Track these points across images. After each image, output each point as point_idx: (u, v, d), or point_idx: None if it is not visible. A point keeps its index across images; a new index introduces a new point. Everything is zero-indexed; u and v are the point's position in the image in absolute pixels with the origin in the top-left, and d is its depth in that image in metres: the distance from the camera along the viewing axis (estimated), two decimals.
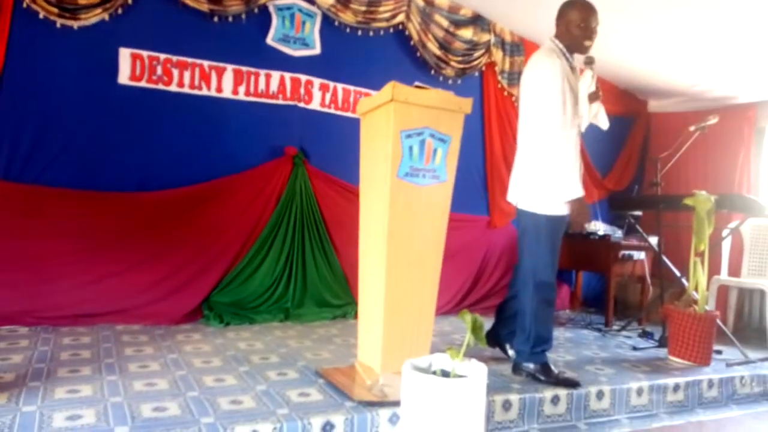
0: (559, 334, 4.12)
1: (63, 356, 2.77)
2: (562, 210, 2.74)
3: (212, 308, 3.78)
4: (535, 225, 2.78)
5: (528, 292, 2.81)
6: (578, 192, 2.66)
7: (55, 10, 3.42)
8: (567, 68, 2.71)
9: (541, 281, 2.77)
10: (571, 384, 2.73)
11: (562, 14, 2.77)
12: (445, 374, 1.97)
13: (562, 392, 2.65)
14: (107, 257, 3.55)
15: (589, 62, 2.64)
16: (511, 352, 3.12)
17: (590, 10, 2.70)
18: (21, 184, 3.39)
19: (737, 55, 4.42)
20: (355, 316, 3.94)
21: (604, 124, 2.88)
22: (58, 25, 3.45)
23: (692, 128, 4.09)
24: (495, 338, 3.23)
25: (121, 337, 3.22)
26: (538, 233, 2.77)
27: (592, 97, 2.72)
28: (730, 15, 3.85)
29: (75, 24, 3.49)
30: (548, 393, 2.62)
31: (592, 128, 5.70)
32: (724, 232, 4.33)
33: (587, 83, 2.68)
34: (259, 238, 4.02)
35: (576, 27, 2.70)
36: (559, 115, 2.62)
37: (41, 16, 3.39)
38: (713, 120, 4.01)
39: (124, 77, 3.65)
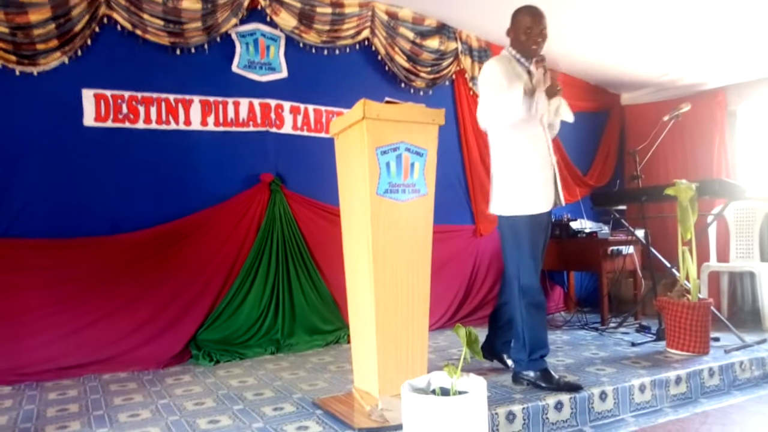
0: (557, 337, 4.09)
1: (50, 412, 2.67)
2: (535, 209, 2.73)
3: (200, 347, 3.68)
4: (510, 228, 2.79)
5: (515, 299, 2.79)
6: (538, 193, 2.71)
7: (13, 57, 3.35)
8: (518, 70, 2.79)
9: (525, 285, 2.75)
10: (573, 388, 2.69)
11: (512, 23, 2.87)
12: (444, 392, 1.94)
13: (565, 398, 2.61)
14: (87, 305, 3.45)
15: (540, 60, 2.71)
16: (509, 362, 3.08)
17: (535, 15, 2.78)
18: None
19: (702, 42, 4.48)
20: (348, 341, 3.88)
21: (568, 117, 2.91)
22: (17, 73, 3.38)
23: (666, 118, 4.12)
24: (491, 350, 3.19)
25: (109, 387, 3.11)
26: (515, 236, 2.77)
27: (550, 93, 2.73)
28: (691, 3, 3.90)
29: (35, 70, 3.43)
30: (551, 400, 2.57)
31: (569, 127, 5.76)
32: (709, 219, 4.35)
33: (540, 80, 2.72)
34: (242, 270, 3.94)
35: (523, 33, 2.79)
36: (496, 99, 2.67)
37: None
38: (686, 108, 4.04)
39: (89, 119, 3.58)
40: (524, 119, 2.67)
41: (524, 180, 2.73)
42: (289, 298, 4.06)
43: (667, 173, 5.39)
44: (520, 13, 2.82)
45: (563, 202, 2.93)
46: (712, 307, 3.48)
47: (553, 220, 4.96)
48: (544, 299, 2.83)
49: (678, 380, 2.97)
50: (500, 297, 3.17)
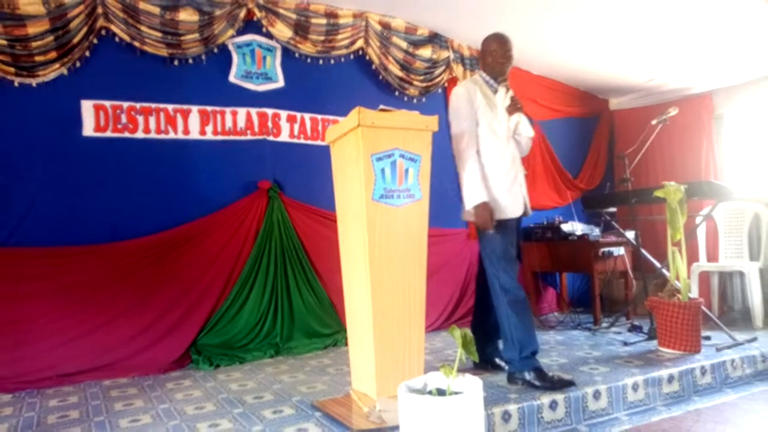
0: (550, 337, 4.14)
1: (50, 419, 2.69)
2: (500, 215, 2.89)
3: (200, 352, 3.72)
4: (482, 233, 2.95)
5: (497, 299, 2.91)
6: (480, 198, 2.84)
7: (12, 69, 3.39)
8: (486, 91, 3.03)
9: (504, 282, 2.87)
10: (567, 384, 2.75)
11: (483, 48, 3.14)
12: (441, 393, 1.97)
13: (559, 397, 2.65)
14: (87, 312, 3.48)
15: (502, 81, 3.06)
16: (502, 363, 3.13)
17: (501, 40, 3.07)
18: None
19: (689, 47, 4.56)
20: (347, 344, 3.91)
21: (527, 132, 3.09)
22: (16, 84, 3.43)
23: (654, 122, 4.19)
24: (483, 359, 3.18)
25: (109, 393, 3.13)
26: (488, 240, 2.93)
27: (510, 110, 3.01)
28: (677, 8, 3.97)
29: (33, 81, 3.47)
30: (546, 399, 2.61)
31: (559, 132, 5.84)
32: (698, 220, 4.41)
33: (501, 98, 3.03)
34: (241, 276, 3.98)
35: (490, 55, 3.07)
36: (462, 130, 2.92)
37: None
38: (673, 112, 4.11)
39: (88, 129, 3.62)
40: (488, 136, 2.93)
41: (490, 189, 2.91)
42: (287, 302, 4.10)
43: (656, 176, 5.46)
44: (488, 40, 3.11)
45: (530, 212, 3.09)
46: (702, 307, 3.53)
47: (545, 223, 5.04)
48: (525, 295, 2.92)
49: (671, 379, 3.00)
50: (477, 305, 3.29)
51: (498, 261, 2.90)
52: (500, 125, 2.97)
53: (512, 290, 2.87)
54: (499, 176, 2.94)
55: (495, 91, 3.05)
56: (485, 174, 2.91)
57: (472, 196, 2.86)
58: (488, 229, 2.86)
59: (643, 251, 4.19)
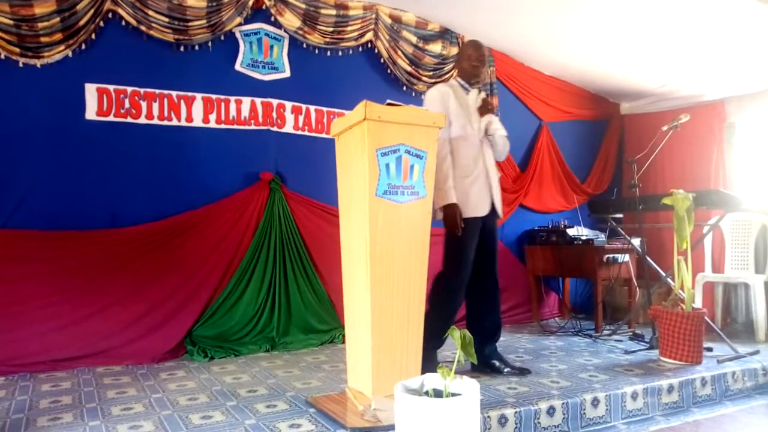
0: (550, 343, 4.11)
1: (42, 404, 2.67)
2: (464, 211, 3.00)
3: (195, 343, 3.69)
4: (446, 233, 3.08)
5: (432, 291, 3.05)
6: (450, 199, 2.96)
7: (17, 49, 3.36)
8: (460, 93, 3.16)
9: (450, 279, 3.07)
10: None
11: (460, 54, 3.33)
12: (437, 394, 1.94)
13: (557, 403, 2.61)
14: (83, 298, 3.46)
15: (476, 83, 3.22)
16: (496, 364, 3.16)
17: (475, 46, 3.25)
18: None
19: (702, 54, 4.50)
20: (343, 341, 3.89)
21: (500, 131, 3.21)
22: (20, 65, 3.40)
23: (665, 128, 4.13)
24: (481, 361, 3.12)
25: (103, 380, 3.11)
26: (447, 237, 3.08)
27: (481, 111, 3.14)
28: (693, 15, 3.92)
29: (38, 62, 3.44)
30: (543, 404, 2.58)
31: (568, 134, 5.78)
32: (705, 229, 4.37)
33: (473, 100, 3.15)
34: (239, 268, 3.95)
35: (466, 60, 3.23)
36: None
37: (2, 56, 3.34)
38: (684, 118, 4.06)
39: (91, 112, 3.59)
40: (460, 138, 3.04)
41: (457, 189, 3.01)
42: (285, 296, 4.06)
43: (664, 183, 5.41)
44: (468, 45, 3.28)
45: (500, 213, 3.21)
46: (705, 317, 3.49)
47: (550, 226, 4.99)
48: (457, 307, 3.10)
49: (670, 389, 2.97)
50: (469, 307, 3.32)
51: (449, 260, 3.06)
52: (473, 128, 3.09)
53: (451, 291, 3.03)
54: (464, 177, 3.04)
55: (469, 95, 3.18)
56: (455, 174, 3.01)
57: (442, 197, 2.95)
58: (456, 229, 2.96)
59: (649, 259, 4.14)
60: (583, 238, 4.72)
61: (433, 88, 3.16)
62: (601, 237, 4.74)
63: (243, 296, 3.94)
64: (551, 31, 4.50)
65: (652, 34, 4.28)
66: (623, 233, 4.40)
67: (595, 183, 5.85)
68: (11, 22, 3.29)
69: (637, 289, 4.81)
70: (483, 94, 3.21)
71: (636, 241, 4.29)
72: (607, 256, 4.58)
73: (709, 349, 3.62)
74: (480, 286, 3.20)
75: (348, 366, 2.75)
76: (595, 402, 2.72)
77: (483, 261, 3.17)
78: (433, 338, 2.92)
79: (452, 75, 4.87)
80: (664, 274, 4.01)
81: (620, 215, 4.57)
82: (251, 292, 3.96)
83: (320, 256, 4.19)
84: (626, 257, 4.69)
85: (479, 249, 3.13)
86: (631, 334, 4.23)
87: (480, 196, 3.07)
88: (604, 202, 4.65)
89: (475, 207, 3.06)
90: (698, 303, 4.49)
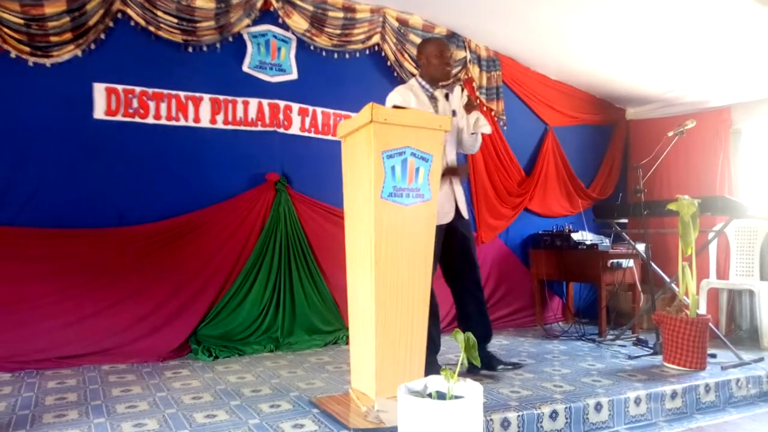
0: (554, 347, 4.11)
1: (48, 401, 2.69)
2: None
3: (200, 342, 3.70)
4: None
5: None
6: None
7: (27, 48, 3.39)
8: (422, 97, 3.07)
9: None
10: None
11: (420, 52, 3.16)
12: (441, 396, 1.95)
13: (560, 407, 2.62)
14: (89, 296, 3.48)
15: (456, 81, 3.17)
16: (494, 363, 3.20)
17: (442, 43, 3.12)
18: None
19: (709, 60, 4.50)
20: (347, 342, 3.90)
21: (486, 129, 3.18)
22: (30, 64, 3.42)
23: (670, 133, 4.13)
24: (484, 363, 3.14)
25: (108, 378, 3.13)
26: None
27: (467, 108, 3.10)
28: (699, 21, 3.92)
29: (47, 61, 3.46)
30: (546, 408, 2.58)
31: (573, 139, 5.78)
32: (710, 235, 4.36)
33: (458, 98, 3.10)
34: (245, 268, 3.96)
35: (435, 58, 3.07)
36: None
37: (13, 55, 3.35)
38: (691, 124, 4.05)
39: (99, 112, 3.61)
40: None
41: None
42: (290, 297, 4.07)
43: (669, 188, 5.39)
44: (430, 42, 3.15)
45: (465, 215, 3.17)
46: (710, 324, 3.49)
47: (554, 230, 4.99)
48: (436, 307, 3.04)
49: (674, 395, 2.97)
50: (459, 311, 3.32)
51: None
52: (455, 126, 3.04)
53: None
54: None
55: (430, 96, 3.10)
56: None
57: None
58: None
59: (653, 264, 4.14)
60: (588, 242, 4.72)
61: (394, 91, 3.10)
62: (606, 242, 4.73)
63: (248, 296, 3.95)
64: (558, 35, 4.50)
65: (658, 39, 4.28)
66: (628, 238, 4.40)
67: (600, 188, 5.84)
68: (22, 21, 3.31)
69: (641, 294, 4.80)
70: (466, 92, 3.15)
71: (641, 247, 4.29)
72: (611, 261, 4.58)
73: (713, 356, 3.62)
74: (463, 289, 3.23)
75: (352, 367, 2.76)
76: (598, 407, 2.72)
77: (460, 264, 3.18)
78: (431, 342, 2.87)
79: (459, 78, 4.88)
80: (668, 279, 4.00)
81: (625, 220, 4.56)
82: (256, 293, 3.97)
83: (325, 258, 4.20)
84: (630, 262, 4.68)
85: (451, 253, 3.13)
86: (634, 339, 4.22)
87: (443, 204, 2.98)
88: (609, 207, 4.65)
89: (441, 216, 2.93)
90: (702, 309, 4.47)
